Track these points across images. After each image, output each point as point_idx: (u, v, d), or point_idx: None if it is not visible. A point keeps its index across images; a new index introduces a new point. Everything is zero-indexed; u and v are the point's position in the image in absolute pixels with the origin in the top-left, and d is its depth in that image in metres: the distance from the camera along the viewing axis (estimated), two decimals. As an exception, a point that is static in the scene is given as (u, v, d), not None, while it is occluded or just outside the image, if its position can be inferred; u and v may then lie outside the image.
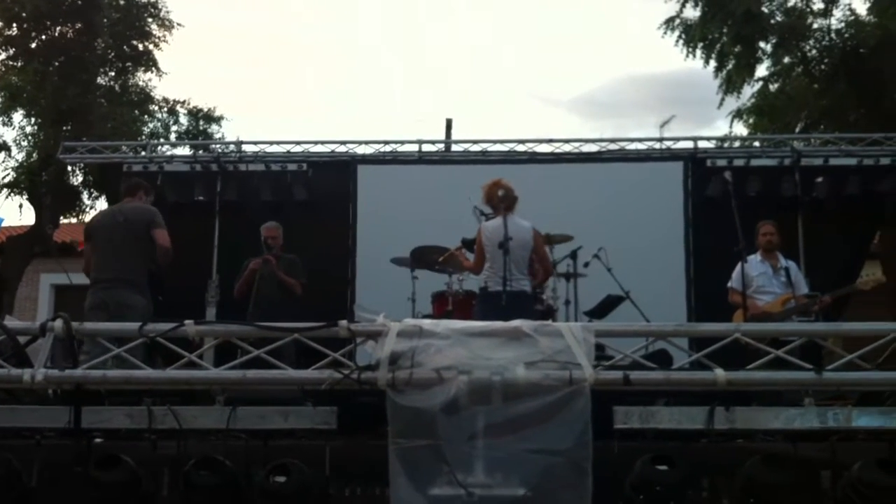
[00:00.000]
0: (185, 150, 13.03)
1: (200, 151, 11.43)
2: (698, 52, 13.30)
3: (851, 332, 5.18)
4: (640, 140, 11.27)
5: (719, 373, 4.18)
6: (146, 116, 15.76)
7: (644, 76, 41.49)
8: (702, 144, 11.24)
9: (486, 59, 42.02)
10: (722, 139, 12.61)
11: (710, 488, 4.44)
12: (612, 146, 11.11)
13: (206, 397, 5.07)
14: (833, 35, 12.85)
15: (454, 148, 11.45)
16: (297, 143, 10.99)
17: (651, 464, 4.08)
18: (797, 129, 13.53)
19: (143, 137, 14.54)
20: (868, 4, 13.17)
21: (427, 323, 4.44)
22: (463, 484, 4.00)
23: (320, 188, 10.60)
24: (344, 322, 4.49)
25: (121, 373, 4.66)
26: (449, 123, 12.21)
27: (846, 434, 4.37)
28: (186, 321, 4.67)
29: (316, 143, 11.02)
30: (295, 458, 4.46)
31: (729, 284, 8.05)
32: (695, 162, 10.84)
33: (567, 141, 11.08)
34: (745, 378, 4.19)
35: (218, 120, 16.27)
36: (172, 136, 15.82)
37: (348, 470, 4.66)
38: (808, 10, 12.89)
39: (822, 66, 13.02)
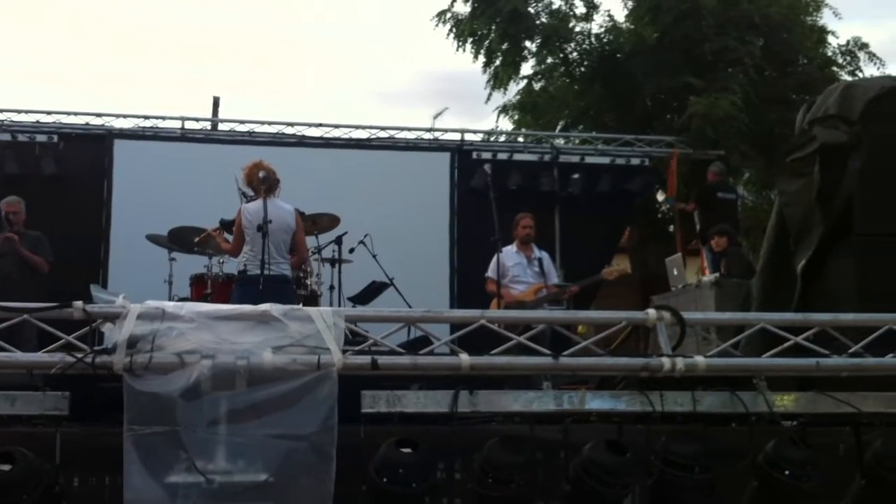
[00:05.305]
0: (-81, 115, 11.93)
1: (-64, 117, 10.53)
2: (468, 46, 13.61)
3: (588, 320, 5.50)
4: (409, 129, 11.46)
5: (464, 357, 4.28)
6: None
7: (426, 69, 41.98)
8: (469, 137, 11.59)
9: (277, 43, 41.03)
10: (488, 133, 13.03)
11: (454, 469, 4.53)
12: (382, 134, 11.21)
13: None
14: (593, 39, 13.52)
15: (220, 127, 11.16)
16: (48, 112, 10.34)
17: (395, 447, 4.11)
18: (558, 128, 14.19)
19: None
20: (626, 12, 14.02)
21: (170, 305, 4.25)
22: (202, 471, 3.87)
23: (72, 162, 10.05)
24: (79, 303, 4.21)
25: None
26: (216, 101, 11.84)
27: (580, 416, 4.59)
28: None
29: (69, 113, 10.44)
30: (22, 446, 4.15)
31: (486, 274, 8.32)
32: (461, 154, 11.17)
33: (336, 126, 11.08)
34: (487, 363, 4.30)
35: (-39, 84, 15.01)
36: None
37: (82, 458, 4.40)
38: (572, 13, 13.47)
39: (582, 69, 13.67)
